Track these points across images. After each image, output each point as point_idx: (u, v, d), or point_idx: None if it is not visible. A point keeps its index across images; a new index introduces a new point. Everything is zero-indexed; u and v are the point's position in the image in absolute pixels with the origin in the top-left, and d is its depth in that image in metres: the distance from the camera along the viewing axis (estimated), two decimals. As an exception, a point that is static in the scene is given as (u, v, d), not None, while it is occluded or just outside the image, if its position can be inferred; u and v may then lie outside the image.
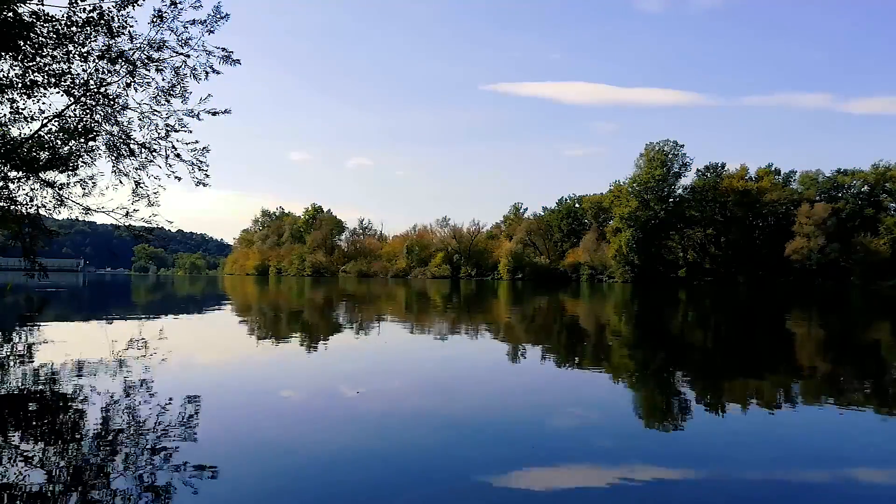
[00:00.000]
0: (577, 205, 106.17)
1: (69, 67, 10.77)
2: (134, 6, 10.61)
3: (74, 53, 10.66)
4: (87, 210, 12.22)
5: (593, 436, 5.27)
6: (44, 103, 11.02)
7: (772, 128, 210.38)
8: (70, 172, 11.95)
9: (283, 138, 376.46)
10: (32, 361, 8.48)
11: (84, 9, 10.30)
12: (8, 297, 26.45)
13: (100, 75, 11.16)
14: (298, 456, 4.52)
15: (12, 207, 11.79)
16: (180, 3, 10.92)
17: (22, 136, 11.26)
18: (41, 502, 3.51)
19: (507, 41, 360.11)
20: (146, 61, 11.27)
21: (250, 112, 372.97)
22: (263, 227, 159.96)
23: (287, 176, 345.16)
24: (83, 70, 10.98)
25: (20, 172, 11.48)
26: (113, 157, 12.13)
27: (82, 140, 11.58)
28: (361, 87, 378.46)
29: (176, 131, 11.98)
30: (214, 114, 11.81)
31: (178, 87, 11.64)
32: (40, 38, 10.21)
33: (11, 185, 11.69)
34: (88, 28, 10.46)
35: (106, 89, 11.41)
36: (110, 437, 4.79)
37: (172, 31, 11.16)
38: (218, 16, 11.16)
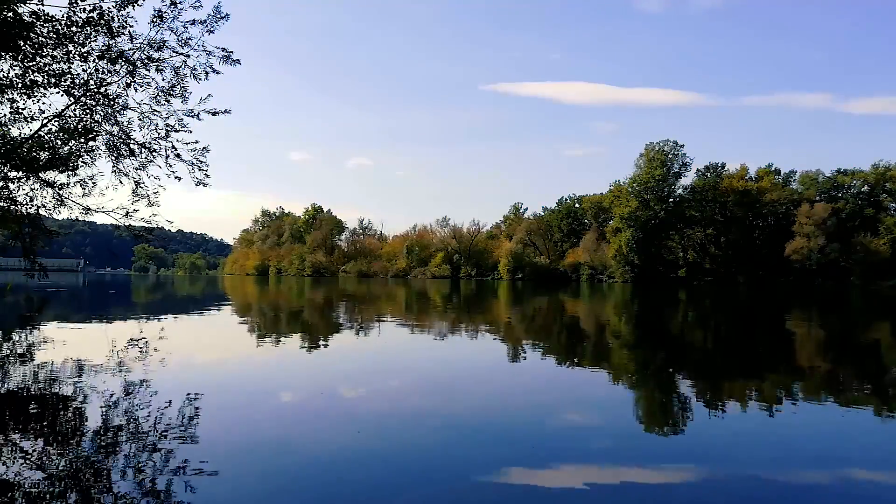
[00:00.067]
0: (577, 205, 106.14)
1: (69, 67, 10.77)
2: (134, 6, 10.61)
3: (74, 53, 10.66)
4: (87, 210, 12.22)
5: (593, 436, 5.27)
6: (44, 103, 11.03)
7: (772, 128, 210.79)
8: (70, 172, 11.95)
9: (283, 138, 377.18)
10: (32, 361, 8.48)
11: (84, 9, 10.30)
12: (8, 297, 26.45)
13: (100, 75, 11.16)
14: (298, 456, 4.52)
15: (12, 207, 11.79)
16: (180, 3, 10.92)
17: (22, 136, 11.26)
18: (41, 502, 3.51)
19: (507, 41, 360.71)
20: (146, 61, 11.27)
21: (250, 112, 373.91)
22: (263, 227, 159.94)
23: (287, 176, 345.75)
24: (83, 70, 10.99)
25: (20, 172, 11.48)
26: (113, 157, 12.14)
27: (82, 140, 11.58)
28: (361, 87, 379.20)
29: (176, 131, 11.98)
30: (214, 114, 11.81)
31: (178, 87, 11.64)
32: (40, 38, 10.21)
33: (11, 185, 11.70)
34: (88, 28, 10.46)
35: (106, 89, 11.41)
36: (110, 437, 4.79)
37: (172, 31, 11.17)
38: (218, 16, 11.16)
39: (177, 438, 4.77)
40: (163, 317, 17.89)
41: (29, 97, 10.78)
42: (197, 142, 12.15)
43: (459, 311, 21.77)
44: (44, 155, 11.33)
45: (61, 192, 12.17)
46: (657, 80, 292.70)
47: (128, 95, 11.59)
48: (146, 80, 11.47)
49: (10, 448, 4.49)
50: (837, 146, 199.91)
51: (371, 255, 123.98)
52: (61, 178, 12.03)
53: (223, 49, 11.55)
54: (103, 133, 11.86)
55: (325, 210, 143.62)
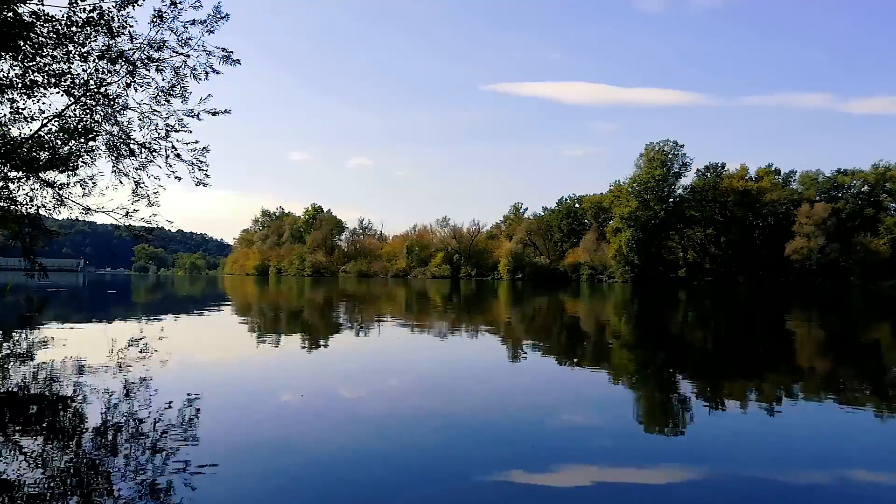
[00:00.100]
0: (577, 205, 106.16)
1: (69, 67, 10.77)
2: (134, 6, 10.61)
3: (74, 53, 10.66)
4: (87, 210, 12.22)
5: (593, 436, 5.27)
6: (44, 103, 11.02)
7: (772, 128, 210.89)
8: (70, 172, 11.95)
9: (283, 138, 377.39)
10: (32, 361, 8.48)
11: (84, 9, 10.30)
12: (8, 297, 26.45)
13: (100, 75, 11.16)
14: (298, 456, 4.52)
15: (12, 207, 11.79)
16: (180, 3, 10.92)
17: (22, 136, 11.26)
18: (41, 502, 3.51)
19: (507, 41, 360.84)
20: (146, 61, 11.27)
21: (250, 112, 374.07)
22: (263, 227, 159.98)
23: (287, 176, 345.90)
24: (83, 70, 10.99)
25: (20, 172, 11.48)
26: (113, 157, 12.14)
27: (82, 140, 11.58)
28: (361, 87, 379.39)
29: (176, 131, 11.98)
30: (214, 114, 11.81)
31: (178, 87, 11.64)
32: (40, 38, 10.21)
33: (11, 185, 11.70)
34: (88, 28, 10.46)
35: (106, 89, 11.41)
36: (110, 437, 4.80)
37: (172, 31, 11.17)
38: (218, 16, 11.16)
39: (177, 438, 4.77)
40: (163, 317, 17.90)
41: (29, 97, 10.78)
42: (197, 142, 12.16)
43: (459, 312, 21.77)
44: (44, 155, 11.33)
45: (61, 192, 12.17)
46: (657, 80, 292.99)
47: (128, 95, 11.60)
48: (146, 80, 11.49)
49: (10, 448, 4.49)
50: (837, 146, 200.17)
51: (371, 255, 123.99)
52: (61, 178, 12.04)
53: (223, 49, 11.56)
54: (103, 133, 11.86)
55: (325, 210, 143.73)
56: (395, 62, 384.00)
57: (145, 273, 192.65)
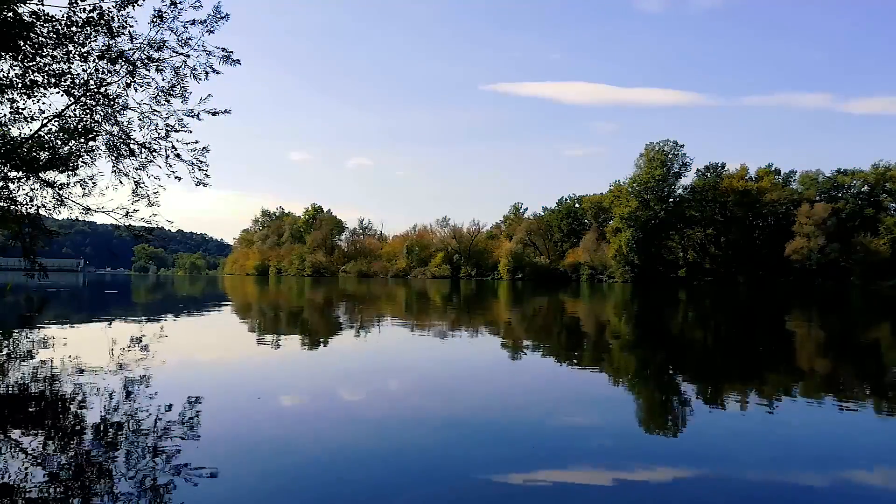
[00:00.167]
0: (577, 205, 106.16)
1: (69, 67, 10.78)
2: (134, 6, 10.62)
3: (74, 53, 10.67)
4: (87, 210, 12.22)
5: (593, 436, 5.27)
6: (44, 103, 11.03)
7: (772, 128, 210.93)
8: (70, 172, 11.96)
9: (283, 138, 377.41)
10: (32, 361, 8.48)
11: (84, 9, 10.30)
12: (8, 297, 26.45)
13: (100, 75, 11.17)
14: (298, 456, 4.52)
15: (12, 207, 11.79)
16: (180, 3, 10.93)
17: (22, 136, 11.26)
18: (41, 502, 3.51)
19: (507, 41, 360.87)
20: (146, 61, 11.27)
21: (250, 112, 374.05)
22: (263, 227, 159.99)
23: (287, 176, 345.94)
24: (83, 70, 11.00)
25: (20, 172, 11.49)
26: (113, 157, 12.14)
27: (82, 140, 11.59)
28: (361, 87, 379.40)
29: (176, 131, 11.99)
30: (214, 114, 11.82)
31: (178, 87, 11.65)
32: (40, 38, 10.21)
33: (11, 185, 11.70)
34: (88, 28, 10.46)
35: (106, 89, 11.42)
36: (110, 437, 4.80)
37: (172, 31, 11.18)
38: (218, 16, 11.17)
39: (177, 438, 4.77)
40: (163, 317, 17.89)
41: (29, 97, 10.79)
42: (197, 142, 12.17)
43: (459, 312, 21.77)
44: (44, 155, 11.33)
45: (61, 192, 12.17)
46: (657, 80, 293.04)
47: (128, 95, 11.61)
48: (146, 80, 11.50)
49: (10, 448, 4.49)
50: (837, 146, 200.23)
51: (371, 255, 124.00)
52: (61, 178, 12.05)
53: (223, 49, 11.58)
54: (103, 133, 11.87)
55: (325, 210, 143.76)
56: (395, 62, 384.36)
57: (145, 273, 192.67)
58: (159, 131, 11.94)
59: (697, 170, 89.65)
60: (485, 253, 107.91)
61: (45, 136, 11.30)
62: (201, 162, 12.23)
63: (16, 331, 12.78)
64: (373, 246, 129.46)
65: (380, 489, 3.85)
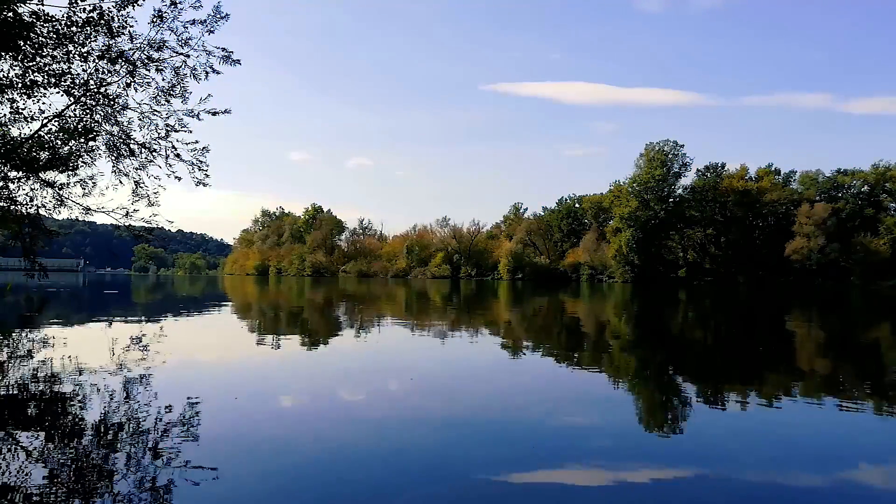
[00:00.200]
0: (577, 205, 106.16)
1: (69, 67, 10.78)
2: (134, 6, 10.62)
3: (74, 53, 10.67)
4: (87, 210, 12.23)
5: (593, 436, 5.27)
6: (44, 103, 11.04)
7: (772, 128, 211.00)
8: (70, 172, 11.96)
9: (283, 138, 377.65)
10: (32, 362, 8.48)
11: (84, 9, 10.30)
12: (8, 297, 26.45)
13: (100, 75, 11.17)
14: (298, 456, 4.52)
15: (12, 207, 11.79)
16: (180, 3, 10.93)
17: (22, 136, 11.27)
18: (41, 502, 3.51)
19: (507, 41, 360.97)
20: (146, 61, 11.27)
21: (250, 112, 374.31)
22: (263, 227, 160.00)
23: (287, 176, 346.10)
24: (83, 70, 11.00)
25: (20, 172, 11.49)
26: (113, 157, 12.14)
27: (82, 140, 11.59)
28: (361, 87, 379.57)
29: (176, 131, 11.99)
30: (214, 114, 11.82)
31: (178, 87, 11.65)
32: (40, 38, 10.21)
33: (11, 185, 11.71)
34: (88, 28, 10.47)
35: (106, 89, 11.42)
36: (110, 437, 4.79)
37: (172, 31, 11.18)
38: (218, 16, 11.17)
39: (177, 438, 4.77)
40: (163, 317, 17.90)
41: (29, 97, 10.79)
42: (197, 142, 12.17)
43: (459, 312, 21.77)
44: (44, 155, 11.33)
45: (61, 192, 12.18)
46: (657, 80, 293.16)
47: (128, 95, 11.61)
48: (146, 80, 11.50)
49: (10, 448, 4.49)
50: (837, 146, 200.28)
51: (371, 255, 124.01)
52: (61, 178, 12.05)
53: (223, 49, 11.58)
54: (103, 133, 11.87)
55: (325, 210, 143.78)
56: (395, 62, 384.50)
57: (145, 273, 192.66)
58: (159, 131, 11.95)
59: (697, 170, 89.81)
60: (485, 253, 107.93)
61: (45, 136, 11.30)
62: (201, 162, 12.25)
63: (16, 331, 12.78)
64: (373, 246, 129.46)
65: (380, 489, 3.85)
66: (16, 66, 10.38)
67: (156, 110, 11.77)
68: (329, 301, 28.68)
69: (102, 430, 5.00)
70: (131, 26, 10.79)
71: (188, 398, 6.17)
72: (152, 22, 11.00)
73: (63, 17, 10.25)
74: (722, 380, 8.26)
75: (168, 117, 11.85)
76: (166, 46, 11.26)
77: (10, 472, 3.97)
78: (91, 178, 12.22)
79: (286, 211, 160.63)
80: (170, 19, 11.05)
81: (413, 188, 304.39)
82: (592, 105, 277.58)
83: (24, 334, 12.03)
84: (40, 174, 11.70)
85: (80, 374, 7.37)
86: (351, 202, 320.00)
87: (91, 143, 11.83)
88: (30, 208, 12.03)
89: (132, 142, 12.06)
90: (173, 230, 13.31)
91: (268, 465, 4.27)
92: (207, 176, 12.34)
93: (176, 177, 12.17)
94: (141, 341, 11.12)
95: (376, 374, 8.34)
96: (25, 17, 9.97)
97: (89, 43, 10.68)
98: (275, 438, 4.93)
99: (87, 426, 5.12)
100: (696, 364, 9.87)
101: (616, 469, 4.32)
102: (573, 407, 6.47)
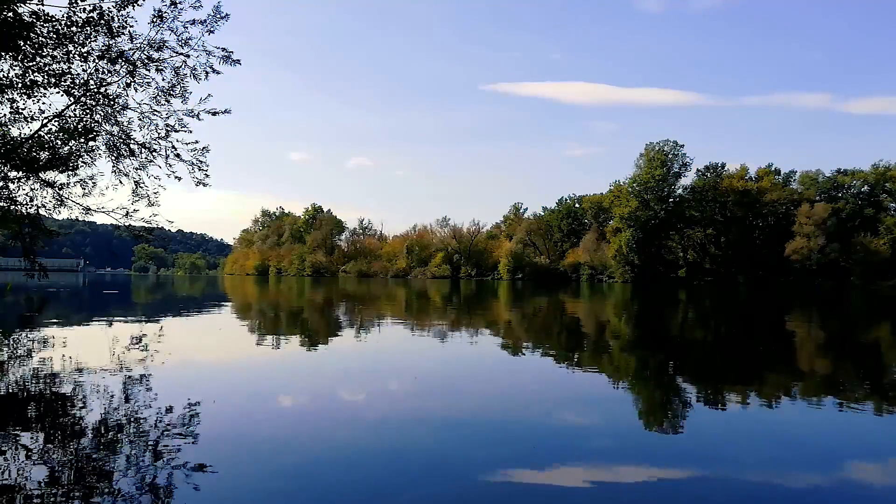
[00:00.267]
0: (577, 205, 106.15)
1: (69, 67, 10.78)
2: (134, 6, 10.62)
3: (74, 53, 10.67)
4: (87, 210, 12.23)
5: (593, 436, 5.27)
6: (44, 103, 11.04)
7: (772, 128, 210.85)
8: (70, 172, 11.96)
9: (283, 138, 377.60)
10: (32, 362, 8.48)
11: (84, 9, 10.31)
12: (8, 297, 26.45)
13: (100, 75, 11.17)
14: (298, 456, 4.52)
15: (12, 207, 11.80)
16: (180, 3, 10.93)
17: (22, 136, 11.27)
18: (41, 502, 3.51)
19: (507, 41, 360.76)
20: (146, 61, 11.27)
21: (250, 112, 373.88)
22: (263, 228, 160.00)
23: (287, 176, 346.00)
24: (83, 70, 11.00)
25: (20, 172, 11.49)
26: (113, 157, 12.15)
27: (82, 140, 11.59)
28: (361, 87, 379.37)
29: (176, 131, 11.99)
30: (214, 114, 11.82)
31: (178, 87, 11.65)
32: (40, 38, 10.21)
33: (11, 185, 11.71)
34: (88, 28, 10.47)
35: (106, 89, 11.42)
36: (110, 437, 4.79)
37: (172, 31, 11.18)
38: (218, 16, 11.17)
39: (177, 438, 4.77)
40: (163, 317, 17.90)
41: (29, 97, 10.79)
42: (197, 142, 12.17)
43: (459, 312, 21.77)
44: (44, 155, 11.33)
45: (61, 192, 12.18)
46: (657, 80, 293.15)
47: (128, 95, 11.61)
48: (146, 80, 11.50)
49: (10, 448, 4.49)
50: (837, 146, 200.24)
51: (371, 255, 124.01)
52: (61, 178, 12.06)
53: (223, 49, 11.58)
54: (103, 133, 11.87)
55: (325, 210, 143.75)
56: (395, 62, 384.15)
57: (145, 273, 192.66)
58: (159, 131, 11.95)
59: (697, 170, 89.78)
60: (485, 253, 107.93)
61: (45, 136, 11.31)
62: (201, 162, 12.24)
63: (16, 331, 12.78)
64: (373, 246, 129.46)
65: (380, 489, 3.85)
66: (16, 66, 10.39)
67: (156, 110, 11.78)
68: (329, 301, 28.68)
69: (102, 430, 5.00)
70: (131, 26, 10.81)
71: (188, 398, 6.17)
72: (152, 22, 11.00)
73: (63, 17, 10.27)
74: (722, 380, 8.27)
75: (168, 117, 11.86)
76: (166, 46, 11.27)
77: (10, 473, 3.97)
78: (91, 178, 12.23)
79: (286, 211, 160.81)
80: (170, 19, 11.06)
81: (413, 188, 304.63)
82: (592, 105, 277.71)
83: (24, 334, 12.03)
84: (40, 174, 11.70)
85: (80, 374, 7.37)
86: (351, 202, 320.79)
87: (91, 143, 11.84)
88: (30, 208, 12.04)
89: (132, 142, 12.07)
90: (173, 230, 13.32)
91: (268, 465, 4.26)
92: (207, 176, 12.35)
93: (176, 177, 12.18)
94: (141, 341, 11.12)
95: (376, 374, 8.34)
96: (25, 17, 9.98)
97: (89, 43, 10.69)
98: (275, 438, 4.93)
99: (87, 426, 5.12)
100: (696, 364, 9.87)
101: (616, 469, 4.32)
102: (573, 407, 6.47)
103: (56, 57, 10.57)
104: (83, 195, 12.24)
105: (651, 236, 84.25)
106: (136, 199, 12.26)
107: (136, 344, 10.74)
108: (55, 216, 12.65)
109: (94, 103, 11.48)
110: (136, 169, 12.21)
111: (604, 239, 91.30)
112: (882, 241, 78.10)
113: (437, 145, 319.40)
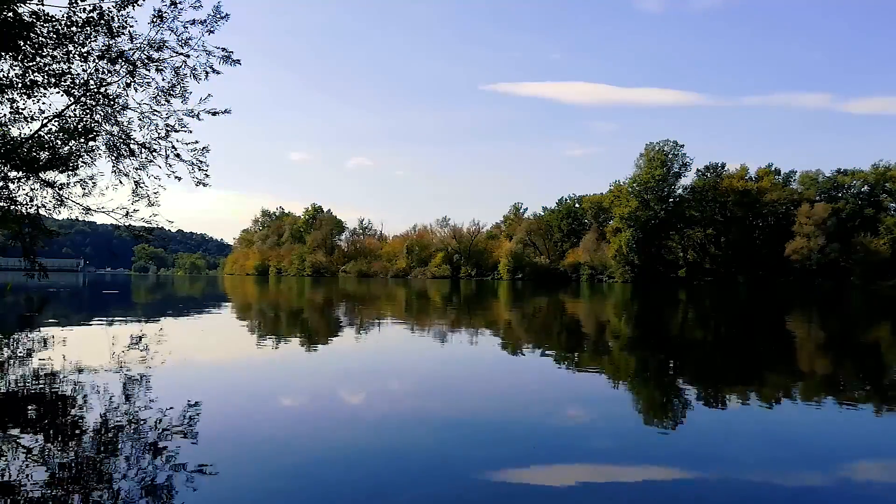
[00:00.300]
0: (577, 205, 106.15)
1: (69, 67, 10.79)
2: (134, 6, 10.62)
3: (74, 53, 10.68)
4: (87, 210, 12.24)
5: (593, 436, 5.27)
6: (44, 103, 11.05)
7: (772, 128, 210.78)
8: (70, 172, 11.97)
9: (283, 138, 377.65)
10: (32, 362, 8.48)
11: (84, 9, 10.31)
12: (8, 297, 26.45)
13: (100, 75, 11.18)
14: (298, 456, 4.52)
15: (12, 207, 11.80)
16: (180, 3, 10.94)
17: (22, 136, 11.27)
18: (40, 502, 3.51)
19: (507, 41, 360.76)
20: (146, 61, 11.28)
21: (250, 112, 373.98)
22: (263, 227, 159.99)
23: (287, 176, 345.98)
24: (83, 70, 11.01)
25: (20, 172, 11.50)
26: (113, 157, 12.15)
27: (82, 140, 11.60)
28: (361, 87, 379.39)
29: (176, 131, 12.00)
30: (214, 114, 11.82)
31: (178, 87, 11.66)
32: (40, 38, 10.22)
33: (11, 185, 11.71)
34: (88, 28, 10.47)
35: (106, 89, 11.42)
36: (110, 437, 4.79)
37: (172, 31, 11.19)
38: (218, 16, 11.18)
39: (177, 438, 4.77)
40: (163, 317, 17.90)
41: (29, 97, 10.80)
42: (197, 142, 12.18)
43: (459, 312, 21.77)
44: (44, 155, 11.34)
45: (61, 192, 12.18)
46: (657, 80, 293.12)
47: (128, 95, 11.62)
48: (146, 80, 11.51)
49: (10, 448, 4.49)
50: (837, 146, 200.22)
51: (371, 255, 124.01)
52: (61, 178, 12.07)
53: (223, 49, 11.59)
54: (103, 133, 11.88)
55: (325, 210, 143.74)
56: (395, 62, 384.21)
57: (145, 273, 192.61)
58: (159, 131, 11.96)
59: (697, 170, 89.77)
60: (485, 253, 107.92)
61: (45, 136, 11.31)
62: (201, 162, 12.26)
63: (16, 331, 12.78)
64: (373, 246, 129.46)
65: (380, 489, 3.85)
66: (16, 66, 10.39)
67: (156, 110, 11.79)
68: (329, 301, 28.68)
69: (102, 430, 5.00)
70: (131, 26, 10.82)
71: (188, 398, 6.17)
72: (152, 22, 11.01)
73: (63, 17, 10.27)
74: (722, 380, 8.27)
75: (168, 117, 11.87)
76: (166, 46, 11.28)
77: (10, 473, 3.97)
78: (91, 178, 12.25)
79: (286, 211, 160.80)
80: (170, 19, 11.07)
81: (413, 188, 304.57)
82: (592, 105, 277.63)
83: (24, 334, 12.03)
84: (40, 174, 11.70)
85: (80, 374, 7.37)
86: (351, 202, 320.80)
87: (91, 143, 11.85)
88: (30, 208, 12.04)
89: (132, 142, 12.08)
90: (173, 230, 13.34)
91: (268, 465, 4.26)
92: (207, 176, 12.36)
93: (176, 177, 12.19)
94: (141, 341, 11.12)
95: (376, 374, 8.34)
96: (25, 17, 9.98)
97: (89, 43, 10.70)
98: (275, 438, 4.93)
99: (87, 426, 5.12)
100: (695, 364, 9.87)
101: (616, 469, 4.32)
102: (573, 407, 6.47)
103: (56, 57, 10.57)
104: (83, 195, 12.27)
105: (651, 236, 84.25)
106: (136, 199, 12.28)
107: (136, 344, 10.74)
108: (55, 216, 12.68)
109: (94, 103, 11.49)
110: (136, 169, 12.24)
111: (604, 239, 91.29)
112: (882, 241, 78.10)
113: (437, 145, 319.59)
